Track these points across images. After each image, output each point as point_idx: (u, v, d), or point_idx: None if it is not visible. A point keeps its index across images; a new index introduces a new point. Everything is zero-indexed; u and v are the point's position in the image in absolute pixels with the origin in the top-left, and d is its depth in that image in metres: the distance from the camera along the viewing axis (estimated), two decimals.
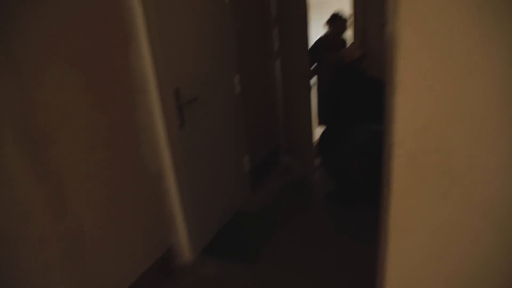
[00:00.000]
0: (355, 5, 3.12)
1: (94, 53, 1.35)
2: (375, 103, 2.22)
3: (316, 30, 3.35)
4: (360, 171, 2.64)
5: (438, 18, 0.44)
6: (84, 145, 1.32)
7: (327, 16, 3.23)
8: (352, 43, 3.10)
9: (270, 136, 3.20)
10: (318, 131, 2.92)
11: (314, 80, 3.19)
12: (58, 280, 1.23)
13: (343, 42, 3.28)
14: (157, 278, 1.75)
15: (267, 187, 2.82)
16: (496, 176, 0.49)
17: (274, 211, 2.45)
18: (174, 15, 1.71)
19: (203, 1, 1.96)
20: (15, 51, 1.06)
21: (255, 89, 2.81)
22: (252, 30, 2.76)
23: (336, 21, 3.06)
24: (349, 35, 3.32)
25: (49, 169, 1.18)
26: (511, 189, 0.49)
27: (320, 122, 3.26)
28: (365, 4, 3.07)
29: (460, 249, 0.55)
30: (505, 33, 0.42)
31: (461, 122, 0.48)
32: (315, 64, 3.20)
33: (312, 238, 2.12)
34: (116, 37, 1.45)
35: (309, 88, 2.74)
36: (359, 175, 2.64)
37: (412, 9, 0.44)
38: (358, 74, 2.60)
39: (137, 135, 1.59)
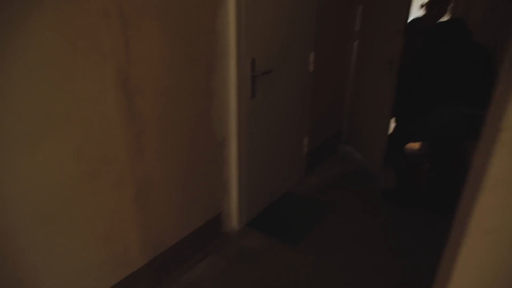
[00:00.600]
0: None
1: (185, 14, 1.37)
2: (472, 76, 1.90)
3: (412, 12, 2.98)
4: (428, 174, 2.43)
5: None
6: (165, 100, 1.38)
7: None
8: None
9: (333, 121, 3.08)
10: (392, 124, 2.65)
11: None
12: (126, 219, 1.35)
13: None
14: (204, 239, 1.84)
15: (323, 172, 2.75)
16: None
17: (325, 197, 2.39)
18: None
19: None
20: (126, 8, 1.13)
21: (328, 71, 2.68)
22: (335, 7, 2.58)
23: (436, 3, 2.67)
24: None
25: (134, 116, 1.27)
26: None
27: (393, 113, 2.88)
28: None
29: None
30: None
31: None
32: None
33: (359, 232, 2.04)
34: (206, 1, 1.45)
35: (394, 77, 2.41)
36: (425, 179, 2.43)
37: None
38: (455, 35, 2.09)
39: (211, 98, 1.62)
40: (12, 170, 0.97)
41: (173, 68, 1.37)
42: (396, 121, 2.62)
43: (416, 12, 2.88)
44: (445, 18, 2.78)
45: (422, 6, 2.76)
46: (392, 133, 2.54)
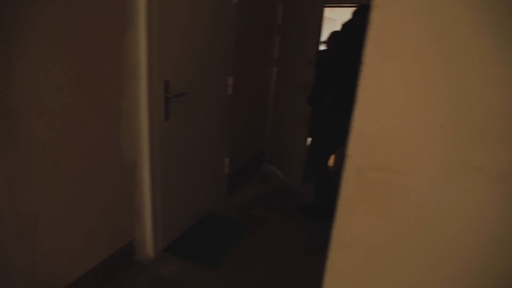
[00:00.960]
0: None
1: (90, 31, 1.30)
2: None
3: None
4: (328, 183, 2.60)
5: (400, 44, 0.47)
6: (60, 123, 1.26)
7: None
8: None
9: (255, 142, 3.19)
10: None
11: None
12: (7, 260, 1.16)
13: None
14: (114, 270, 1.69)
15: (246, 192, 2.80)
16: (431, 200, 0.51)
17: (247, 217, 2.43)
18: (177, 7, 1.68)
19: None
20: (5, 16, 1.01)
21: (247, 94, 2.79)
22: (254, 34, 2.75)
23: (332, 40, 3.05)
24: None
25: (18, 141, 1.12)
26: (444, 215, 0.51)
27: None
28: None
29: (395, 267, 0.57)
30: (450, 66, 0.46)
31: (405, 145, 0.51)
32: None
33: (280, 249, 2.10)
34: (114, 19, 1.41)
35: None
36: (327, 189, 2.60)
37: (380, 32, 0.48)
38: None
39: (119, 120, 1.55)
40: None
41: (71, 88, 1.28)
42: (311, 135, 2.83)
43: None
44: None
45: (324, 42, 3.13)
46: (309, 147, 2.72)
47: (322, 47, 3.26)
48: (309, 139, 2.89)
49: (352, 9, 2.26)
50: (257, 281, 1.82)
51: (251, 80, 2.87)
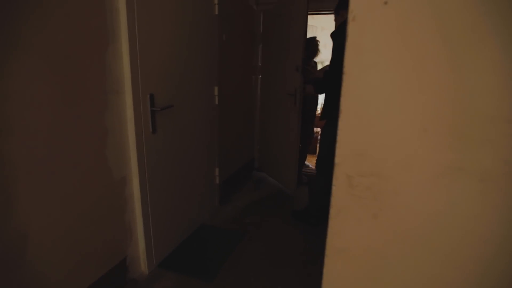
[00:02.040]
0: None
1: (72, 47, 1.29)
2: None
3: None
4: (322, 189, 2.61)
5: (377, 54, 0.49)
6: (43, 141, 1.24)
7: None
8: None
9: (245, 150, 3.19)
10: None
11: None
12: None
13: (315, 64, 3.30)
14: None
15: (238, 201, 2.79)
16: (419, 201, 0.53)
17: (241, 226, 2.42)
18: (159, 21, 1.69)
19: (191, 9, 1.95)
20: None
21: (233, 102, 2.80)
22: (237, 43, 2.78)
23: (310, 46, 3.06)
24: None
25: (2, 160, 1.09)
26: (432, 216, 0.53)
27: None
28: None
29: (389, 269, 0.58)
30: (427, 74, 0.48)
31: (391, 150, 0.52)
32: None
33: (275, 256, 2.10)
34: (96, 35, 1.40)
35: (299, 107, 2.71)
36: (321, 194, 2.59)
37: (358, 43, 0.49)
38: None
39: (105, 136, 1.53)
40: None
41: (54, 106, 1.26)
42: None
43: None
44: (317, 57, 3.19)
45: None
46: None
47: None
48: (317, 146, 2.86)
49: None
50: None
51: (237, 89, 2.88)
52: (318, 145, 2.99)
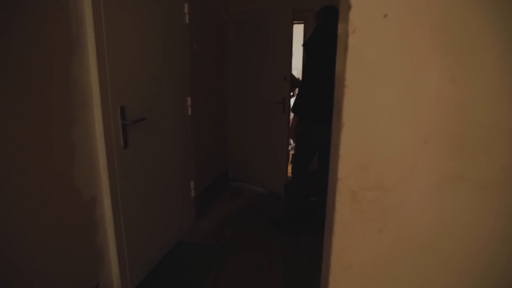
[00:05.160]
0: None
1: (32, 59, 1.18)
2: None
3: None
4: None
5: (377, 67, 0.49)
6: (3, 162, 1.11)
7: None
8: None
9: (219, 160, 3.14)
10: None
11: None
12: None
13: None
14: None
15: (214, 213, 2.71)
16: (423, 213, 0.53)
17: (221, 239, 2.34)
18: (128, 29, 1.61)
19: (162, 18, 1.89)
20: None
21: (207, 113, 2.75)
22: (209, 52, 2.74)
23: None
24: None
25: None
26: (437, 226, 0.53)
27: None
28: None
29: (395, 283, 0.57)
30: (426, 86, 0.49)
31: (394, 162, 0.52)
32: None
33: (260, 269, 2.05)
34: (59, 45, 1.30)
35: (287, 113, 2.84)
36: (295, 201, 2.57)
37: (359, 55, 0.49)
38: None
39: (71, 154, 1.41)
40: None
41: (13, 123, 1.13)
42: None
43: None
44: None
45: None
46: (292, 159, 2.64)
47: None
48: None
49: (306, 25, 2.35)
50: None
51: (209, 98, 2.83)
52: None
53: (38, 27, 1.20)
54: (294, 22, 2.80)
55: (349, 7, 0.47)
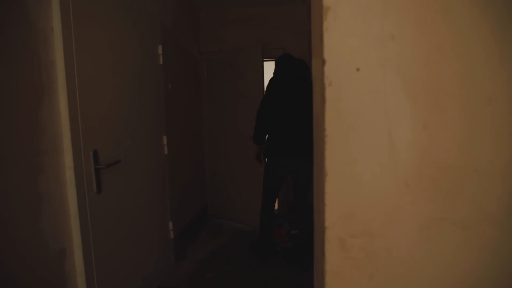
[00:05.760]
0: None
1: None
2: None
3: None
4: (289, 234, 2.65)
5: (354, 117, 0.52)
6: None
7: None
8: None
9: (197, 198, 3.06)
10: None
11: None
12: None
13: None
14: None
15: (195, 254, 2.59)
16: (410, 256, 0.54)
17: (203, 283, 2.22)
18: (102, 72, 1.60)
19: (136, 60, 1.90)
20: None
21: (183, 150, 2.72)
22: (183, 91, 2.76)
23: None
24: None
25: None
26: (424, 267, 0.54)
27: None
28: None
29: None
30: (401, 134, 0.52)
31: (378, 207, 0.54)
32: None
33: None
34: (28, 88, 1.25)
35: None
36: (285, 239, 2.63)
37: (336, 106, 0.51)
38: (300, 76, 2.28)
39: (38, 205, 1.31)
40: None
41: None
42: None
43: None
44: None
45: None
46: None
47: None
48: None
49: (275, 59, 2.50)
50: None
51: (184, 136, 2.81)
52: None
53: (3, 71, 1.16)
54: (264, 59, 2.93)
55: (324, 62, 0.50)
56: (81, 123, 1.46)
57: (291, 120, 2.23)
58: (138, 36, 1.94)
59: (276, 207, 3.51)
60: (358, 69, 0.50)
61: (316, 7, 0.53)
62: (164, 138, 2.25)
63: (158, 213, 2.17)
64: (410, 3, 0.48)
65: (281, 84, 2.29)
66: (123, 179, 1.76)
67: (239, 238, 2.88)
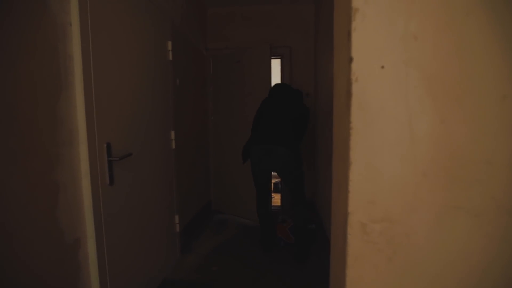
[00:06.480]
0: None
1: (18, 98, 1.16)
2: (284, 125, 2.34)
3: None
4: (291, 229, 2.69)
5: (377, 111, 0.56)
6: None
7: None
8: None
9: (202, 193, 3.10)
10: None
11: None
12: None
13: None
14: None
15: (200, 248, 2.63)
16: (427, 242, 0.58)
17: (208, 275, 2.26)
18: (116, 67, 1.63)
19: (147, 56, 1.93)
20: None
21: (190, 145, 2.75)
22: (191, 87, 2.80)
23: None
24: None
25: None
26: (439, 252, 0.58)
27: None
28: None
29: None
30: (419, 126, 0.55)
31: (398, 195, 0.58)
32: None
33: None
34: (47, 85, 1.29)
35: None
36: (288, 234, 2.68)
37: (361, 101, 0.55)
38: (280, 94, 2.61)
39: (55, 195, 1.35)
40: None
41: None
42: None
43: None
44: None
45: None
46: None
47: None
48: None
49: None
50: None
51: (191, 131, 2.85)
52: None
53: (24, 65, 1.19)
54: (272, 57, 2.96)
55: (351, 59, 0.54)
56: (96, 116, 1.50)
57: (268, 122, 2.47)
58: (150, 32, 1.97)
59: (279, 203, 3.56)
60: (382, 67, 0.53)
61: (343, 8, 0.57)
62: (172, 133, 2.28)
63: (165, 206, 2.21)
64: (433, 6, 0.52)
65: (268, 100, 2.61)
66: (133, 172, 1.80)
67: (242, 233, 2.92)
